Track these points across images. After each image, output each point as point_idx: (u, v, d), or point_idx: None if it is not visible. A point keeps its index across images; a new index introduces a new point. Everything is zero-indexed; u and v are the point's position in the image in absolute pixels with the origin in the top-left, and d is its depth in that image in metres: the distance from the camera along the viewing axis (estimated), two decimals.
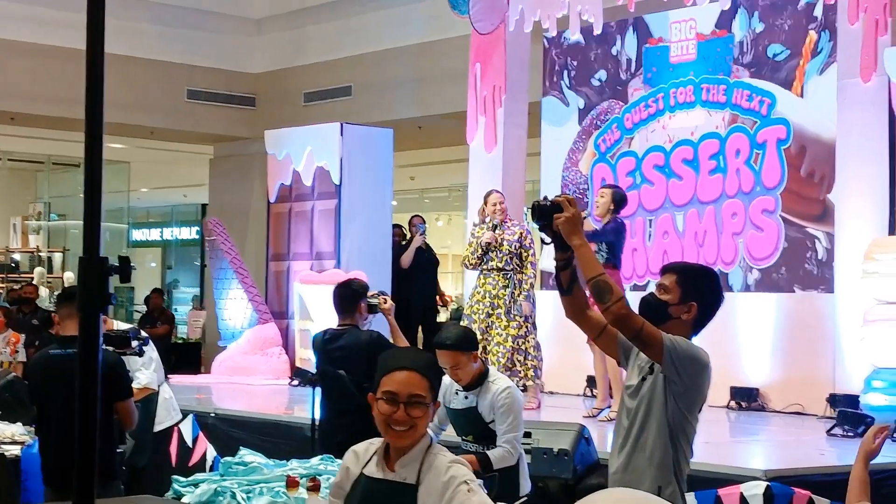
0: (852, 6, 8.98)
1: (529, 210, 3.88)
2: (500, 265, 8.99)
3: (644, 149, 11.14)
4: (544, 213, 3.76)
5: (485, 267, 9.08)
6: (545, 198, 3.88)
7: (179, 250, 28.24)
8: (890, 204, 8.68)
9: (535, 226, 3.88)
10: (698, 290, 4.03)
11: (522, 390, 8.92)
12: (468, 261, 9.18)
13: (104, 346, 5.32)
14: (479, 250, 9.03)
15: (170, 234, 28.34)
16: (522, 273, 8.98)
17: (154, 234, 28.92)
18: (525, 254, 9.10)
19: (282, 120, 14.51)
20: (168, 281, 27.69)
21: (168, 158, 19.31)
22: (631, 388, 3.99)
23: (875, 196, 8.81)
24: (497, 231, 9.02)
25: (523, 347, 8.94)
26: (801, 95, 10.05)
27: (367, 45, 14.53)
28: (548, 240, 3.82)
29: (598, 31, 10.81)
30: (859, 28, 8.96)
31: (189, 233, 27.43)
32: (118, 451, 5.84)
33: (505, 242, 8.97)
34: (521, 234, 9.22)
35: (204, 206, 19.18)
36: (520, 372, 8.93)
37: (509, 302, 8.96)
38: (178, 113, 15.73)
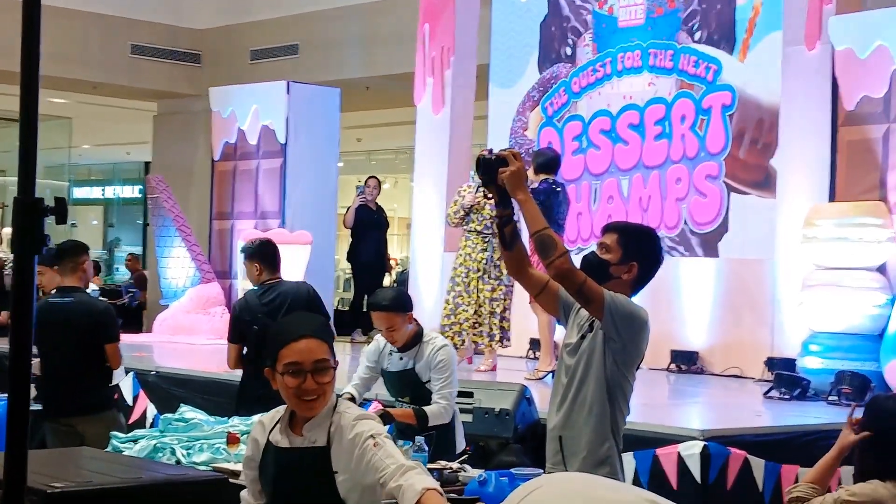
0: None
1: (475, 163, 3.87)
2: (478, 228, 8.88)
3: (591, 113, 11.17)
4: (489, 167, 3.73)
5: (466, 228, 8.98)
6: (490, 151, 3.86)
7: (122, 209, 27.97)
8: (831, 171, 8.78)
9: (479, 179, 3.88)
10: (639, 251, 4.05)
11: (478, 351, 8.95)
12: (450, 219, 9.10)
13: (99, 297, 6.58)
14: (462, 211, 8.93)
15: (112, 192, 28.04)
16: None
17: (96, 192, 28.60)
18: None
19: (227, 77, 14.37)
20: (110, 239, 27.44)
21: (111, 115, 19.06)
22: (570, 346, 4.02)
23: (816, 163, 8.90)
24: (479, 193, 8.83)
25: (497, 310, 8.89)
26: (747, 63, 10.12)
27: (315, 3, 14.41)
28: (490, 195, 3.82)
29: None
30: None
31: (132, 191, 27.16)
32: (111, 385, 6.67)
33: (487, 205, 8.75)
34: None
35: (147, 163, 18.98)
36: (488, 333, 8.87)
37: (488, 265, 8.87)
38: (122, 68, 15.51)
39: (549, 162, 8.93)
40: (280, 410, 3.25)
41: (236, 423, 6.16)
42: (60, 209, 1.95)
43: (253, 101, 12.67)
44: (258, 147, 12.68)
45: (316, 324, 3.22)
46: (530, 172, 8.86)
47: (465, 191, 9.06)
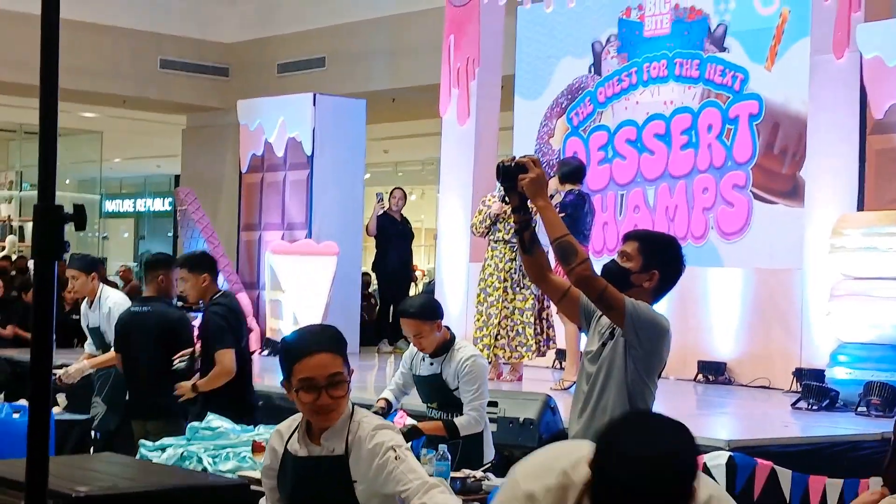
0: None
1: (496, 170, 3.87)
2: (506, 237, 8.78)
3: (616, 123, 11.16)
4: (509, 174, 3.75)
5: (492, 238, 8.93)
6: (511, 158, 3.86)
7: (152, 221, 28.13)
8: (859, 180, 8.72)
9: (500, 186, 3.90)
10: (660, 258, 4.04)
11: (518, 358, 8.88)
12: (475, 228, 9.02)
13: (176, 304, 6.74)
14: (488, 220, 8.88)
15: (142, 204, 28.22)
16: None
17: (127, 206, 28.79)
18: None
19: (255, 90, 14.45)
20: (140, 252, 27.60)
21: (141, 128, 19.20)
22: (591, 353, 4.01)
23: (845, 173, 8.85)
24: (506, 202, 8.82)
25: (530, 320, 8.82)
26: (774, 71, 10.08)
27: (342, 16, 14.47)
28: (508, 200, 3.83)
29: (572, 4, 10.80)
30: (833, 4, 8.98)
31: (162, 204, 27.31)
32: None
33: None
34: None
35: (177, 176, 19.10)
36: (524, 344, 8.82)
37: (517, 275, 8.81)
38: (151, 82, 15.63)
39: (574, 171, 8.92)
40: (296, 419, 3.25)
41: (262, 432, 6.19)
42: (80, 216, 1.97)
43: (280, 114, 12.72)
44: (285, 159, 12.73)
45: (328, 336, 3.19)
46: (555, 182, 8.86)
47: (489, 200, 9.04)
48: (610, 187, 11.10)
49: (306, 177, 12.46)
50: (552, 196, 9.21)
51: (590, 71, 11.43)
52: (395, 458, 3.05)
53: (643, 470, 1.99)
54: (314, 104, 12.39)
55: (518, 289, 8.80)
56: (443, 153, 12.01)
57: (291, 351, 3.17)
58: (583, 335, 4.36)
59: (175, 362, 6.48)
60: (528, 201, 3.80)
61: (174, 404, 6.48)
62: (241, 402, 6.44)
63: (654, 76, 10.91)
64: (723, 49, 10.42)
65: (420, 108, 14.05)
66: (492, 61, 11.64)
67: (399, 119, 15.92)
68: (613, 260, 4.08)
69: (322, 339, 3.16)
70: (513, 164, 3.76)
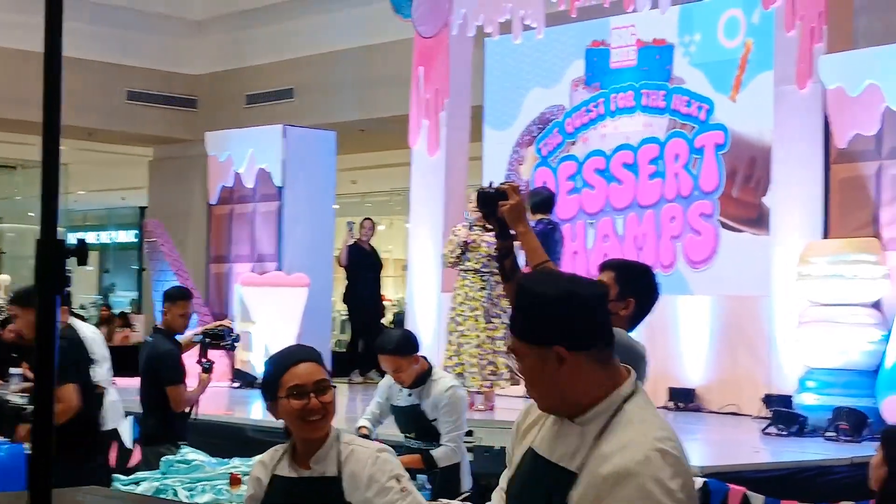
0: (788, 14, 9.16)
1: (476, 197, 3.90)
2: (476, 266, 8.84)
3: (585, 153, 11.27)
4: (488, 201, 3.77)
5: (461, 267, 8.97)
6: (490, 184, 3.89)
7: (117, 254, 27.97)
8: (824, 209, 8.86)
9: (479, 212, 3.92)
10: (636, 286, 4.09)
11: (489, 387, 8.91)
12: (446, 259, 9.06)
13: (204, 339, 6.77)
14: (458, 249, 8.93)
15: (107, 237, 28.06)
16: None
17: (90, 238, 28.62)
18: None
19: (223, 122, 14.47)
20: (105, 285, 27.43)
21: (106, 160, 19.14)
22: None
23: (809, 201, 8.98)
24: (475, 230, 8.87)
25: (503, 349, 8.81)
26: (739, 102, 10.22)
27: (310, 47, 14.54)
28: (490, 226, 3.83)
29: (540, 35, 10.92)
30: (795, 36, 9.14)
31: (126, 236, 27.18)
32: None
33: (483, 244, 8.77)
34: None
35: (142, 208, 19.04)
36: (494, 373, 8.84)
37: (487, 304, 8.84)
38: (118, 114, 15.61)
39: (544, 201, 9.01)
40: (279, 448, 3.30)
41: (238, 465, 6.19)
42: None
43: (249, 145, 12.75)
44: (255, 190, 12.75)
45: (308, 350, 3.32)
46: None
47: (459, 230, 9.11)
48: (579, 216, 11.20)
49: (276, 208, 12.48)
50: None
51: (559, 102, 11.54)
52: (402, 490, 3.12)
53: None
54: (284, 136, 12.44)
55: (489, 318, 8.84)
56: (412, 184, 12.07)
57: (279, 363, 3.25)
58: None
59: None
60: (509, 228, 3.84)
61: (165, 434, 6.59)
62: (89, 437, 6.10)
63: (621, 107, 11.04)
64: (687, 81, 10.56)
65: (389, 139, 14.12)
66: (461, 92, 11.73)
67: (367, 150, 15.97)
68: None
69: (304, 351, 3.29)
70: (493, 191, 3.79)
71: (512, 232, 3.86)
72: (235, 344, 7.21)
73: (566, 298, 2.23)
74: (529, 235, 3.81)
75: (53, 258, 2.00)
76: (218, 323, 6.84)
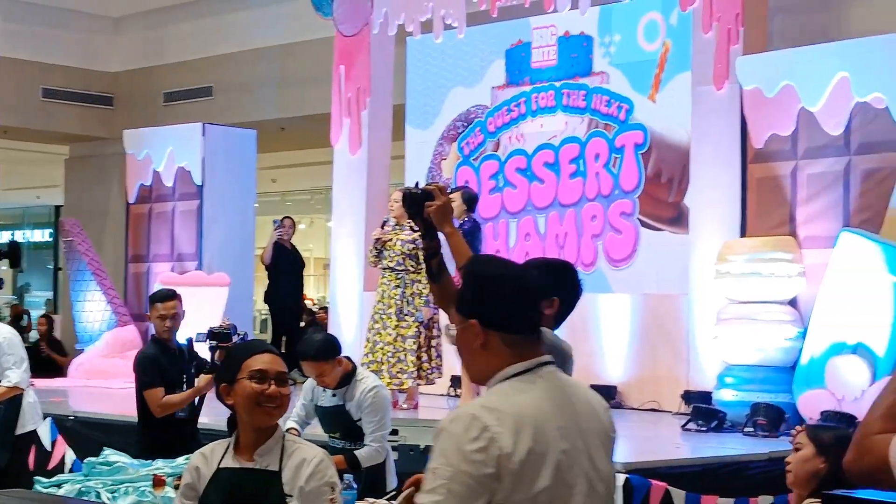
0: (706, 15, 9.29)
1: (402, 198, 3.89)
2: (391, 265, 8.88)
3: (506, 152, 11.33)
4: (415, 201, 3.76)
5: (380, 266, 9.03)
6: (416, 185, 3.89)
7: (31, 253, 27.46)
8: (741, 208, 9.00)
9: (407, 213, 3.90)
10: (559, 285, 4.12)
11: (401, 390, 8.93)
12: (369, 258, 9.19)
13: (209, 342, 6.23)
14: (374, 249, 8.99)
15: (21, 236, 27.56)
16: (418, 275, 8.76)
17: (4, 237, 28.09)
18: (418, 252, 9.04)
19: (141, 120, 14.29)
20: (19, 284, 26.92)
21: (20, 158, 18.79)
22: None
23: (727, 200, 9.13)
24: (387, 228, 8.94)
25: (412, 347, 8.84)
26: (658, 102, 10.35)
27: (230, 45, 14.41)
28: (416, 227, 3.86)
29: (461, 34, 10.95)
30: (712, 37, 9.28)
31: (42, 235, 26.72)
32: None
33: (398, 242, 8.84)
34: (416, 236, 9.24)
35: (58, 207, 18.73)
36: (406, 371, 8.85)
37: (401, 302, 8.86)
38: (33, 112, 15.34)
39: (468, 201, 9.05)
40: (222, 443, 3.36)
41: (161, 466, 6.12)
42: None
43: (168, 144, 12.62)
44: (174, 189, 12.62)
45: (274, 347, 3.52)
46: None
47: (376, 233, 9.19)
48: (501, 215, 11.25)
49: (196, 207, 12.36)
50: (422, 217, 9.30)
51: (481, 101, 11.58)
52: (330, 500, 3.23)
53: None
54: (203, 134, 12.33)
55: (402, 316, 8.88)
56: (334, 183, 12.03)
57: (244, 348, 3.46)
58: None
59: None
60: (435, 229, 3.84)
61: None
62: None
63: (542, 106, 11.11)
64: (608, 81, 10.66)
65: (310, 137, 14.05)
66: (382, 91, 11.72)
67: (288, 148, 15.88)
68: None
69: (269, 345, 3.54)
70: (419, 191, 3.77)
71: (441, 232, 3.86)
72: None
73: (494, 280, 2.48)
74: (457, 236, 3.80)
75: None
76: (223, 323, 6.51)
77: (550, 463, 2.34)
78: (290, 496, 3.21)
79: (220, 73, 14.58)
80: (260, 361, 3.30)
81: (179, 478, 5.39)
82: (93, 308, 12.75)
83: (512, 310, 2.46)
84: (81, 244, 13.06)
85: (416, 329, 8.89)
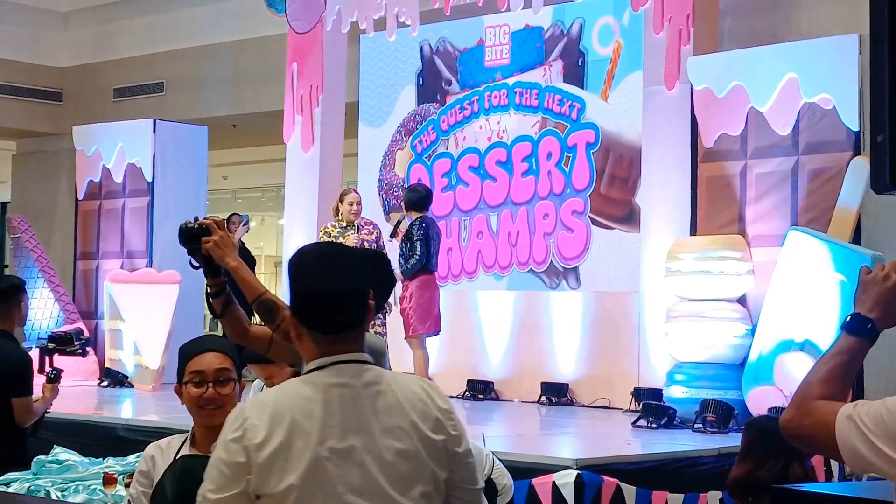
0: (657, 16, 9.37)
1: (178, 233, 3.71)
2: None
3: (459, 150, 11.35)
4: (191, 237, 3.65)
5: None
6: (195, 219, 3.74)
7: None
8: (691, 207, 9.09)
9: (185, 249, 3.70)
10: (371, 276, 4.05)
11: None
12: None
13: (48, 345, 5.98)
14: None
15: None
16: None
17: None
18: None
19: (90, 116, 14.15)
20: None
21: None
22: None
23: (677, 199, 9.21)
24: (351, 231, 8.97)
25: None
26: (610, 102, 10.42)
27: (180, 41, 14.31)
28: (196, 264, 3.68)
29: (414, 33, 10.96)
30: (664, 37, 9.35)
31: None
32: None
33: (365, 244, 8.89)
34: (377, 234, 9.26)
35: (4, 203, 18.50)
36: None
37: None
38: None
39: (421, 200, 9.08)
40: (179, 437, 3.42)
41: (112, 464, 6.09)
42: None
43: (118, 140, 12.52)
44: (124, 186, 12.53)
45: (220, 341, 3.47)
46: (403, 210, 8.96)
47: (331, 228, 9.17)
48: (454, 213, 11.28)
49: (146, 204, 12.28)
50: (399, 223, 9.33)
51: (433, 99, 11.60)
52: None
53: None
54: (154, 130, 12.24)
55: None
56: (287, 180, 12.00)
57: (187, 350, 3.43)
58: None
59: None
60: (216, 265, 3.65)
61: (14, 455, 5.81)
62: None
63: (495, 105, 11.14)
64: (560, 80, 10.72)
65: (261, 134, 14.00)
66: (335, 89, 11.70)
67: (239, 145, 15.80)
68: None
69: (214, 340, 3.47)
70: (196, 226, 3.65)
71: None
72: (87, 349, 6.76)
73: (297, 280, 2.57)
74: (242, 269, 3.67)
75: None
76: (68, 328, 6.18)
77: (303, 459, 2.39)
78: None
79: (171, 69, 14.48)
80: (198, 363, 3.35)
81: (130, 475, 5.37)
82: (40, 305, 12.62)
83: (311, 311, 2.53)
84: (29, 241, 12.93)
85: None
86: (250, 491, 2.39)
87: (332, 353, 2.50)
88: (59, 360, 6.25)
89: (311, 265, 2.60)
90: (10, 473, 5.79)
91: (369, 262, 4.05)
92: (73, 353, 6.67)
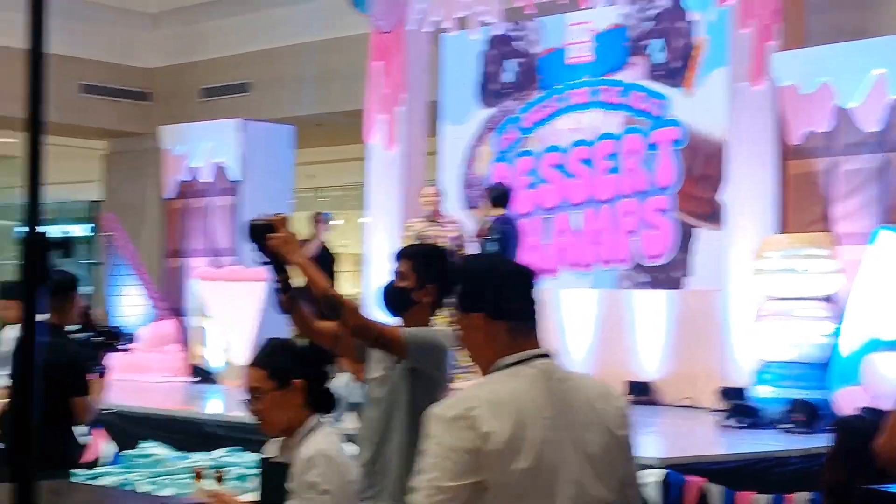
0: (743, 12, 9.27)
1: (246, 229, 3.76)
2: None
3: (541, 148, 11.33)
4: (257, 233, 3.68)
5: None
6: (263, 216, 3.77)
7: (54, 251, 27.61)
8: (778, 204, 8.98)
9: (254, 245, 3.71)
10: (434, 272, 4.05)
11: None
12: None
13: (95, 338, 5.72)
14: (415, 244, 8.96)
15: (57, 230, 27.77)
16: None
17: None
18: (460, 251, 9.03)
19: (178, 116, 14.38)
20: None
21: (57, 153, 18.89)
22: (375, 379, 4.04)
23: (764, 196, 9.11)
24: (435, 227, 8.98)
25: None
26: (694, 98, 10.33)
27: (267, 41, 14.49)
28: (263, 260, 3.70)
29: (496, 31, 10.97)
30: (749, 34, 9.25)
31: (78, 230, 26.93)
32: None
33: (438, 239, 8.88)
34: (458, 232, 9.29)
35: (93, 202, 18.89)
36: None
37: None
38: (71, 107, 15.47)
39: (501, 196, 9.09)
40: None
41: (198, 459, 6.19)
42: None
43: (205, 139, 12.72)
44: (211, 184, 12.72)
45: (260, 351, 3.46)
46: (485, 207, 8.98)
47: (414, 224, 9.21)
48: (536, 212, 11.26)
49: (233, 202, 12.45)
50: (481, 221, 9.36)
51: (515, 98, 11.59)
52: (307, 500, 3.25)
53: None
54: (241, 130, 12.42)
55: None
56: (369, 179, 12.08)
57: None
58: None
59: None
60: (283, 262, 3.70)
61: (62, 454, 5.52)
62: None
63: (577, 103, 11.10)
64: (644, 77, 10.65)
65: (345, 133, 14.11)
66: (418, 87, 11.75)
67: (323, 144, 15.94)
68: (391, 281, 4.12)
69: (257, 355, 3.44)
70: (261, 223, 3.68)
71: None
72: (128, 345, 6.63)
73: (492, 272, 2.58)
74: (308, 267, 3.71)
75: (37, 251, 2.02)
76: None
77: (529, 449, 2.41)
78: (291, 492, 3.30)
79: (257, 69, 14.66)
80: (246, 378, 3.46)
81: (218, 470, 5.47)
82: (130, 303, 12.88)
83: (512, 300, 2.55)
84: (119, 239, 13.19)
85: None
86: (480, 479, 2.38)
87: (526, 347, 2.53)
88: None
89: (492, 259, 2.71)
90: (99, 468, 5.92)
91: (428, 257, 4.16)
92: (121, 349, 6.58)
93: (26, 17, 2.21)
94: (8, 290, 6.75)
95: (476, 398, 2.44)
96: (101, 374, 5.77)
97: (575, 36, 11.17)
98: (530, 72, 11.51)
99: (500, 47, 11.69)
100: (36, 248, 2.04)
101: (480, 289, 2.56)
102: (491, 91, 11.80)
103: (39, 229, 2.07)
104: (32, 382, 2.11)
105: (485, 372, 2.55)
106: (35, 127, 2.04)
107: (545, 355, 2.54)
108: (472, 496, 2.37)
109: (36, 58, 2.05)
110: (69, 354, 5.45)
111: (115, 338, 6.04)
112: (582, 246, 10.86)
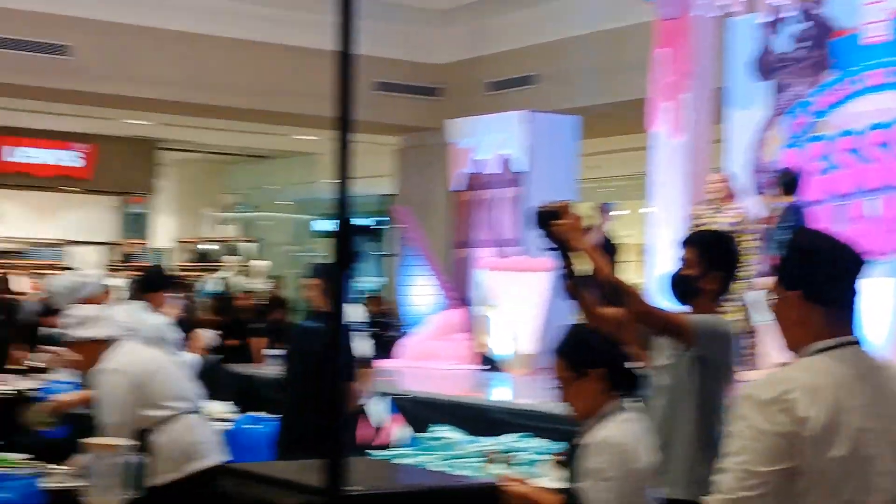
0: None
1: (533, 216, 3.86)
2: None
3: (835, 132, 10.91)
4: (543, 219, 3.77)
5: None
6: (548, 203, 3.86)
7: (359, 239, 28.78)
8: None
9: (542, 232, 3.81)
10: (720, 259, 4.03)
11: None
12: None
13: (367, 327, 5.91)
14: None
15: (357, 222, 28.88)
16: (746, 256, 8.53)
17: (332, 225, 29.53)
18: (740, 238, 8.87)
19: (466, 110, 14.71)
20: None
21: (354, 149, 19.64)
22: (661, 367, 4.00)
23: None
24: (719, 215, 8.88)
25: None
26: None
27: (552, 33, 14.60)
28: (549, 245, 3.79)
29: (786, 13, 10.64)
30: None
31: (367, 223, 28.00)
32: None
33: (717, 226, 8.74)
34: (741, 218, 9.14)
35: (385, 196, 19.58)
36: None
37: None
38: (365, 105, 16.05)
39: (791, 182, 8.82)
40: None
41: (489, 444, 6.34)
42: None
43: (492, 132, 12.96)
44: (497, 176, 12.95)
45: (564, 341, 3.55)
46: (773, 194, 8.73)
47: (702, 211, 9.08)
48: (828, 199, 10.85)
49: (519, 194, 12.63)
50: (773, 208, 9.12)
51: (805, 82, 11.21)
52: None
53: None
54: (527, 121, 12.59)
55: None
56: (653, 168, 11.97)
57: None
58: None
59: None
60: (567, 248, 3.77)
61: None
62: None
63: (872, 84, 10.63)
64: None
65: (629, 122, 14.04)
66: (704, 74, 11.56)
67: (607, 134, 15.92)
68: (678, 269, 4.08)
69: (560, 343, 3.52)
70: (547, 210, 3.77)
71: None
72: (403, 331, 6.67)
73: (821, 253, 2.51)
74: (593, 253, 3.77)
75: (348, 236, 2.16)
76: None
77: (846, 437, 2.34)
78: (580, 475, 3.40)
79: (543, 61, 14.79)
80: None
81: (507, 454, 5.59)
82: (420, 292, 13.29)
83: (835, 284, 2.49)
84: (411, 231, 13.64)
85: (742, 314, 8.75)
86: (793, 465, 2.34)
87: (840, 332, 2.49)
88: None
89: (826, 239, 2.60)
90: (391, 450, 6.13)
91: (715, 244, 4.13)
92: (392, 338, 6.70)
93: (335, 19, 2.36)
94: (317, 270, 6.82)
95: (792, 380, 2.38)
96: (368, 364, 6.10)
97: (871, 15, 10.69)
98: (822, 53, 11.11)
99: (790, 29, 11.34)
100: (347, 232, 2.18)
101: (803, 267, 2.49)
102: (780, 74, 11.46)
103: (349, 220, 2.21)
104: (338, 361, 2.25)
105: (790, 349, 2.50)
106: (344, 125, 2.19)
107: (856, 342, 2.49)
108: (784, 483, 2.31)
109: (345, 59, 2.20)
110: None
111: (386, 328, 6.18)
112: (878, 234, 10.38)
